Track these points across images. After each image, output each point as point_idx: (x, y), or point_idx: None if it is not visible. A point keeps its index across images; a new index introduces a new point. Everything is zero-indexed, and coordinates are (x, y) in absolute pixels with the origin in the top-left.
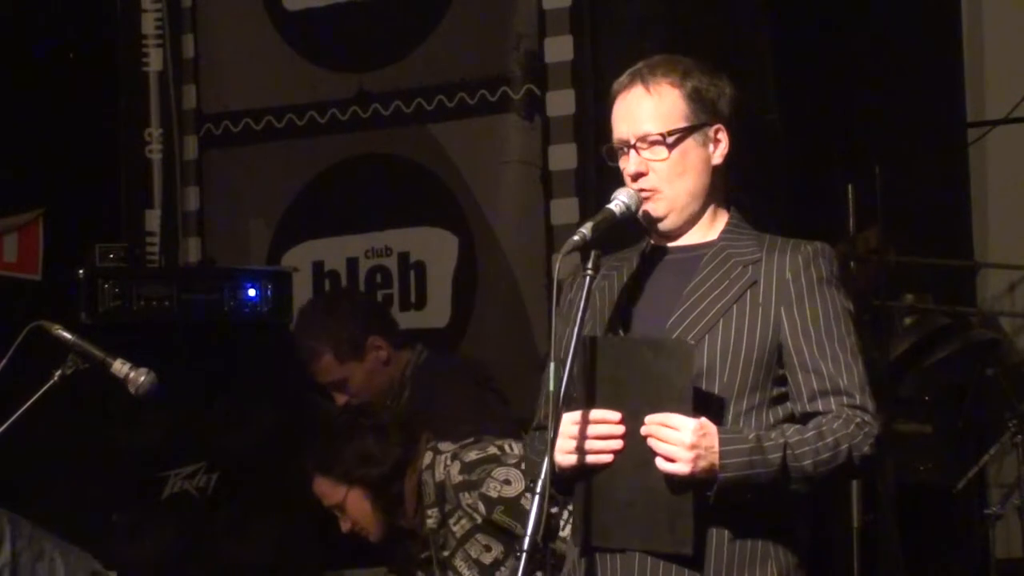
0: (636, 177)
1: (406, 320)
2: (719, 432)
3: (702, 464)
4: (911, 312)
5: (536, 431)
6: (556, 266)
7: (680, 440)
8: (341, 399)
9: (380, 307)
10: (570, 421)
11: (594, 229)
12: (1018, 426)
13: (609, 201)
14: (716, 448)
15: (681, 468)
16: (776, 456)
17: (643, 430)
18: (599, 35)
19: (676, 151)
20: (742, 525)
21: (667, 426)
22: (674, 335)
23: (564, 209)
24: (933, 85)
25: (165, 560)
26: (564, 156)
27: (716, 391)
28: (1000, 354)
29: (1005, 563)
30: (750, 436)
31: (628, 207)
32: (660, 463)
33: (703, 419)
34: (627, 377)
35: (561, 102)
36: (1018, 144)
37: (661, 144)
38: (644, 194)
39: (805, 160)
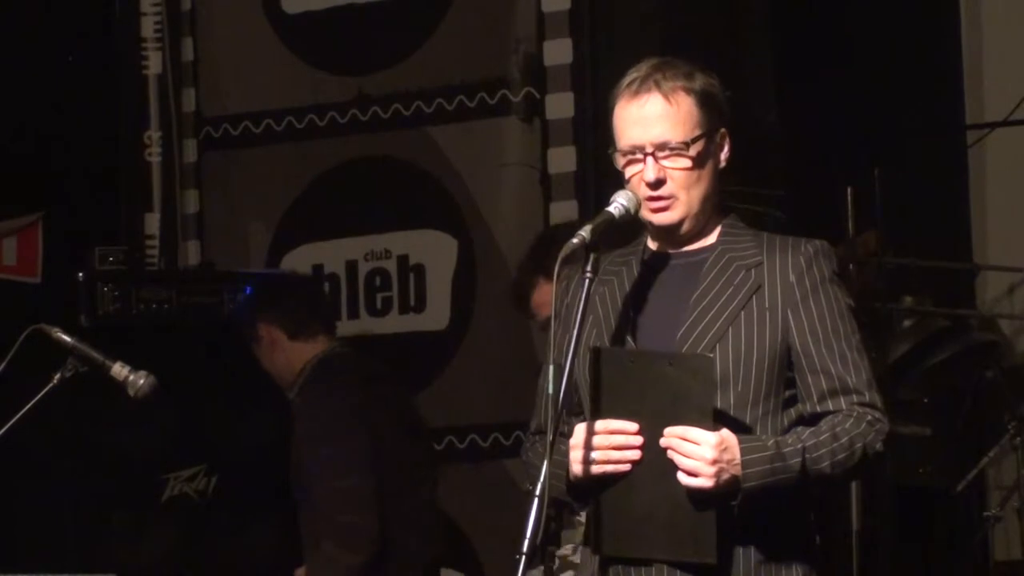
0: (657, 185)
1: (405, 323)
2: (739, 442)
3: (724, 478)
4: (910, 314)
5: (536, 435)
6: (555, 268)
7: (702, 455)
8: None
9: (280, 295)
10: (584, 431)
11: (593, 231)
12: (1017, 428)
13: (608, 203)
14: (738, 460)
15: (704, 483)
16: (796, 461)
17: (662, 442)
18: (598, 38)
19: (696, 159)
20: (763, 532)
21: (688, 440)
22: (685, 346)
23: (563, 212)
24: (932, 87)
25: (165, 562)
26: (563, 159)
27: (731, 400)
28: (999, 356)
29: (1004, 565)
30: (769, 443)
31: (627, 210)
32: (682, 477)
33: (723, 431)
34: (643, 389)
35: (560, 105)
36: (1017, 146)
37: (683, 153)
38: (662, 202)
39: (804, 162)
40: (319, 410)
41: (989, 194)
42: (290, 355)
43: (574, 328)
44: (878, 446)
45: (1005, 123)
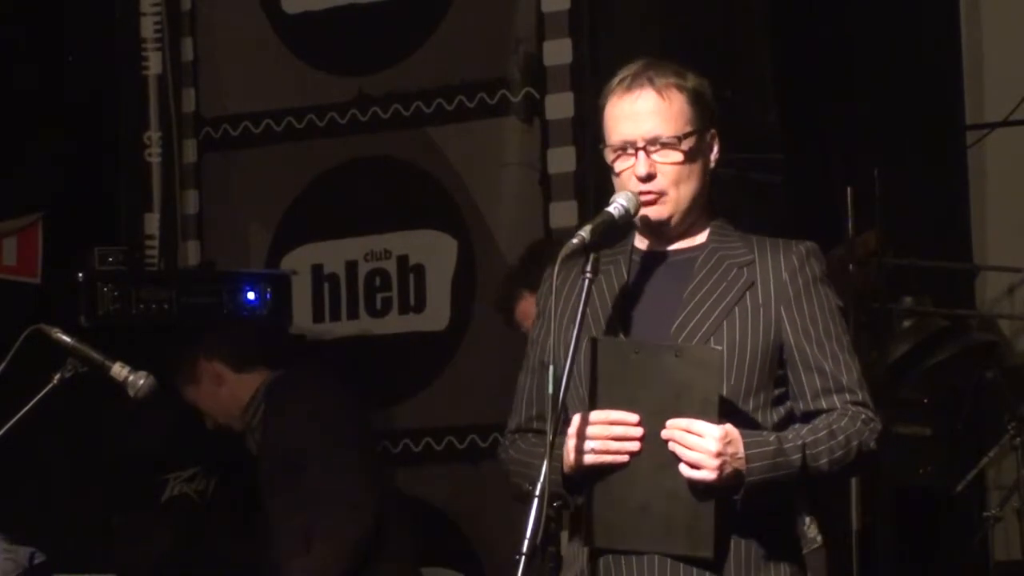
0: (647, 179)
1: (405, 323)
2: (743, 436)
3: (728, 471)
4: (910, 315)
5: (516, 433)
6: (555, 269)
7: (706, 448)
8: (209, 423)
9: (222, 334)
10: (583, 421)
11: (593, 232)
12: (1017, 428)
13: (608, 204)
14: (741, 453)
15: (707, 475)
16: (797, 457)
17: (664, 434)
18: (598, 38)
19: (687, 154)
20: (759, 527)
21: (691, 432)
22: (680, 339)
23: (563, 212)
24: (932, 88)
25: (164, 563)
26: (563, 159)
27: (724, 394)
28: (999, 356)
29: (1004, 565)
30: (771, 438)
31: (627, 210)
32: (685, 470)
33: (727, 425)
34: (644, 380)
35: (560, 105)
36: (1017, 146)
37: (674, 147)
38: (650, 196)
39: (804, 162)
40: (298, 409)
41: (989, 194)
42: (235, 388)
43: (574, 327)
44: (872, 444)
45: (1005, 123)
